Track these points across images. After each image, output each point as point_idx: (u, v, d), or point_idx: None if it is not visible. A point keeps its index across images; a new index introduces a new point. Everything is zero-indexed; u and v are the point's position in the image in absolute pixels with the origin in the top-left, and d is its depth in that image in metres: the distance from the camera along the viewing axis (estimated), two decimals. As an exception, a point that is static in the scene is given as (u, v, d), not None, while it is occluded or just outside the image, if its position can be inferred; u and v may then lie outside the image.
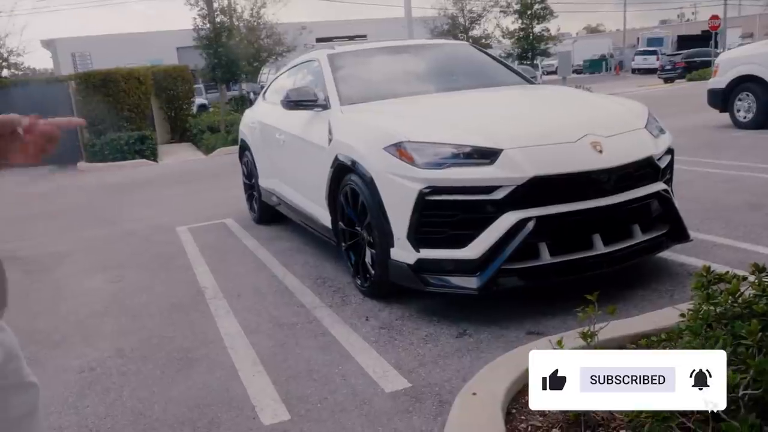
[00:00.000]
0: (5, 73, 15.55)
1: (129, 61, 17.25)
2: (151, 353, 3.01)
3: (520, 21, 29.24)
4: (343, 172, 3.60)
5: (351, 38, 32.03)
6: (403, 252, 3.07)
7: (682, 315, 1.96)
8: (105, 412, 2.47)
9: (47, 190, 9.81)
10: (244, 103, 18.64)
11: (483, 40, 27.92)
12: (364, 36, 33.87)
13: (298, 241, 4.91)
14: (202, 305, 3.64)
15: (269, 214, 5.54)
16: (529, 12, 28.77)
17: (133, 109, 13.29)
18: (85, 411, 2.49)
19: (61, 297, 4.11)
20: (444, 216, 2.94)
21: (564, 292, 3.18)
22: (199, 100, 20.48)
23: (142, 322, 3.45)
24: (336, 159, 3.63)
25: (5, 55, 15.58)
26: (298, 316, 3.32)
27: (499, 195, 2.87)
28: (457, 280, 2.94)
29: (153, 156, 12.43)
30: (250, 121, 5.84)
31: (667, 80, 27.97)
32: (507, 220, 2.85)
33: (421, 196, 2.93)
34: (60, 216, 7.23)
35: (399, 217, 3.06)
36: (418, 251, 3.00)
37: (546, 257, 2.93)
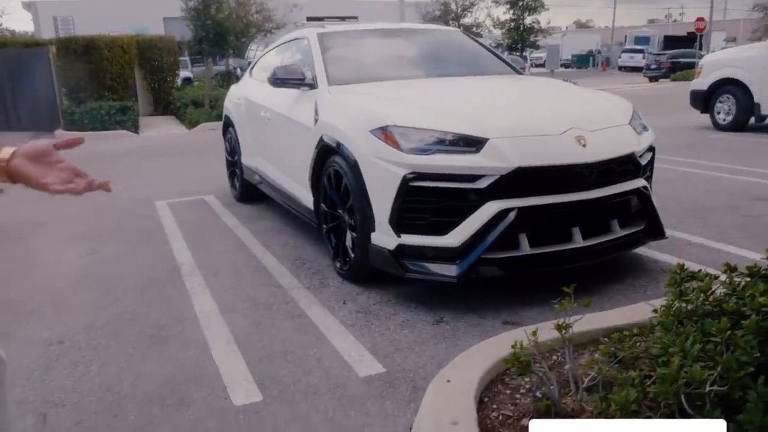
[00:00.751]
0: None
1: (113, 29, 16.84)
2: (123, 328, 2.97)
3: (511, 12, 29.14)
4: (327, 153, 3.57)
5: (342, 19, 31.68)
6: (384, 237, 3.06)
7: (655, 311, 1.99)
8: (72, 386, 2.43)
9: (23, 157, 9.57)
10: (230, 78, 18.34)
11: (474, 29, 27.80)
12: (355, 17, 33.50)
13: (278, 222, 4.88)
14: (178, 282, 3.60)
15: (251, 192, 5.49)
16: (520, 3, 28.68)
17: (115, 79, 13.02)
18: (51, 385, 2.45)
19: (33, 267, 4.03)
20: (427, 202, 2.94)
21: (541, 283, 3.21)
22: (184, 73, 20.09)
23: (116, 296, 3.40)
24: (321, 140, 3.60)
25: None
26: (275, 296, 3.30)
27: (482, 184, 2.87)
28: (436, 268, 2.95)
29: (134, 127, 12.21)
30: (235, 97, 5.76)
31: (652, 79, 28.21)
32: (489, 209, 2.86)
33: (405, 181, 2.92)
34: (35, 184, 7.07)
35: (382, 201, 3.05)
36: (399, 237, 3.00)
37: (526, 248, 2.95)
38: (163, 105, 15.44)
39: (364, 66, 4.37)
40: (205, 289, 3.45)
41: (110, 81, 12.89)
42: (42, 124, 12.62)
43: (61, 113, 12.55)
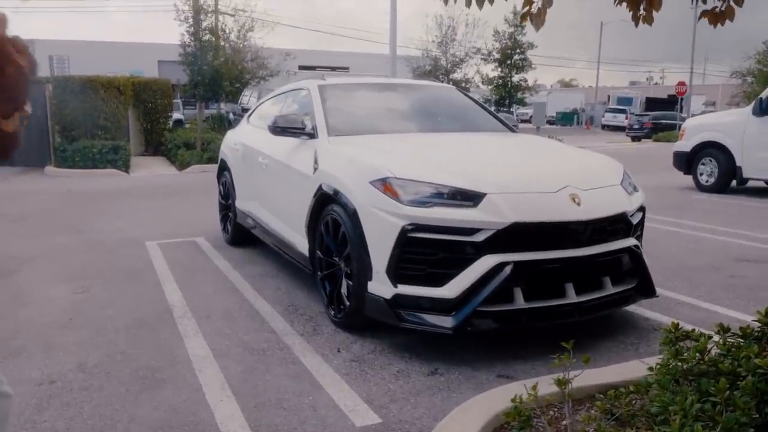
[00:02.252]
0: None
1: (108, 70, 17.04)
2: (115, 370, 2.93)
3: (499, 69, 30.17)
4: (325, 201, 3.64)
5: (333, 69, 32.45)
6: (380, 286, 3.10)
7: (650, 369, 2.04)
8: (64, 427, 2.39)
9: (11, 192, 9.53)
10: (222, 122, 18.56)
11: (463, 84, 28.63)
12: (347, 68, 34.33)
13: (270, 266, 4.88)
14: (170, 324, 3.57)
15: (242, 235, 5.51)
16: (508, 62, 29.74)
17: (109, 119, 13.10)
18: (43, 426, 2.40)
19: (21, 304, 3.97)
20: (424, 254, 2.99)
21: (534, 337, 3.25)
22: (175, 115, 20.32)
23: (107, 337, 3.37)
24: (320, 188, 3.66)
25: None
26: (268, 342, 3.29)
27: (479, 237, 2.94)
28: (432, 319, 2.98)
29: (125, 167, 12.23)
30: (232, 142, 5.85)
31: (634, 138, 29.04)
32: (486, 262, 2.92)
33: (404, 232, 2.98)
34: (24, 220, 7.02)
35: (379, 251, 3.09)
36: (396, 287, 3.03)
37: (520, 302, 2.99)
38: (155, 146, 15.53)
39: (362, 118, 4.50)
40: (197, 332, 3.43)
41: (104, 120, 12.97)
42: (32, 159, 12.60)
43: (52, 150, 12.55)
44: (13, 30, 0.97)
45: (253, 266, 4.91)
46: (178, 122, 21.32)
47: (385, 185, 3.15)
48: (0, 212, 7.58)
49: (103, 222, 6.86)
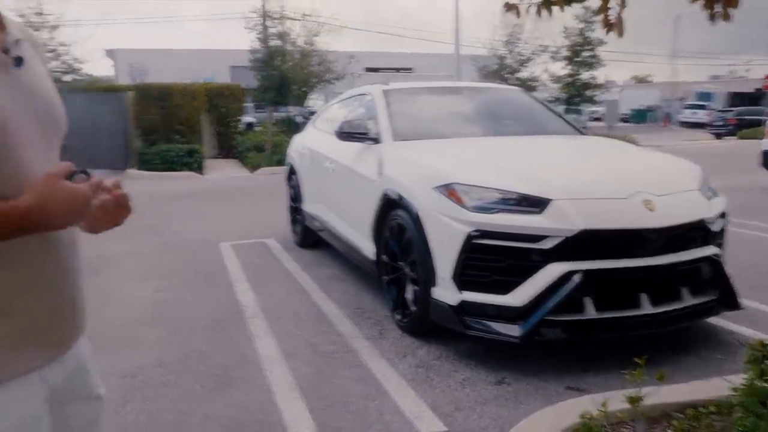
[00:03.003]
0: (68, 78, 16.12)
1: (183, 76, 17.86)
2: (190, 367, 3.08)
3: (569, 67, 29.23)
4: (390, 206, 3.66)
5: (397, 70, 32.54)
6: (445, 292, 3.09)
7: (734, 389, 1.93)
8: (146, 420, 2.54)
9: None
10: (290, 125, 19.01)
11: (530, 83, 27.96)
12: (410, 69, 34.32)
13: (338, 269, 4.97)
14: (242, 324, 3.71)
15: (311, 238, 5.63)
16: (577, 59, 28.77)
17: (184, 123, 13.75)
18: (127, 417, 2.56)
19: (106, 301, 4.23)
20: (490, 260, 2.96)
21: (606, 348, 3.14)
22: (247, 119, 21.01)
23: (184, 336, 3.54)
24: (385, 193, 3.70)
25: (69, 61, 16.14)
26: (336, 345, 3.35)
27: (546, 245, 2.87)
28: (498, 327, 2.94)
29: (199, 169, 12.79)
30: (299, 146, 5.99)
31: (717, 136, 27.43)
32: (553, 270, 2.85)
33: (469, 238, 2.96)
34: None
35: (444, 256, 3.09)
36: (461, 293, 3.02)
37: (591, 312, 2.90)
38: (227, 149, 16.14)
39: (427, 123, 4.50)
40: (268, 333, 3.54)
41: (180, 125, 13.63)
42: (115, 162, 13.39)
43: (133, 153, 13.30)
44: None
45: (321, 268, 5.00)
46: (249, 125, 22.03)
47: (449, 191, 3.14)
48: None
49: (180, 223, 7.20)
